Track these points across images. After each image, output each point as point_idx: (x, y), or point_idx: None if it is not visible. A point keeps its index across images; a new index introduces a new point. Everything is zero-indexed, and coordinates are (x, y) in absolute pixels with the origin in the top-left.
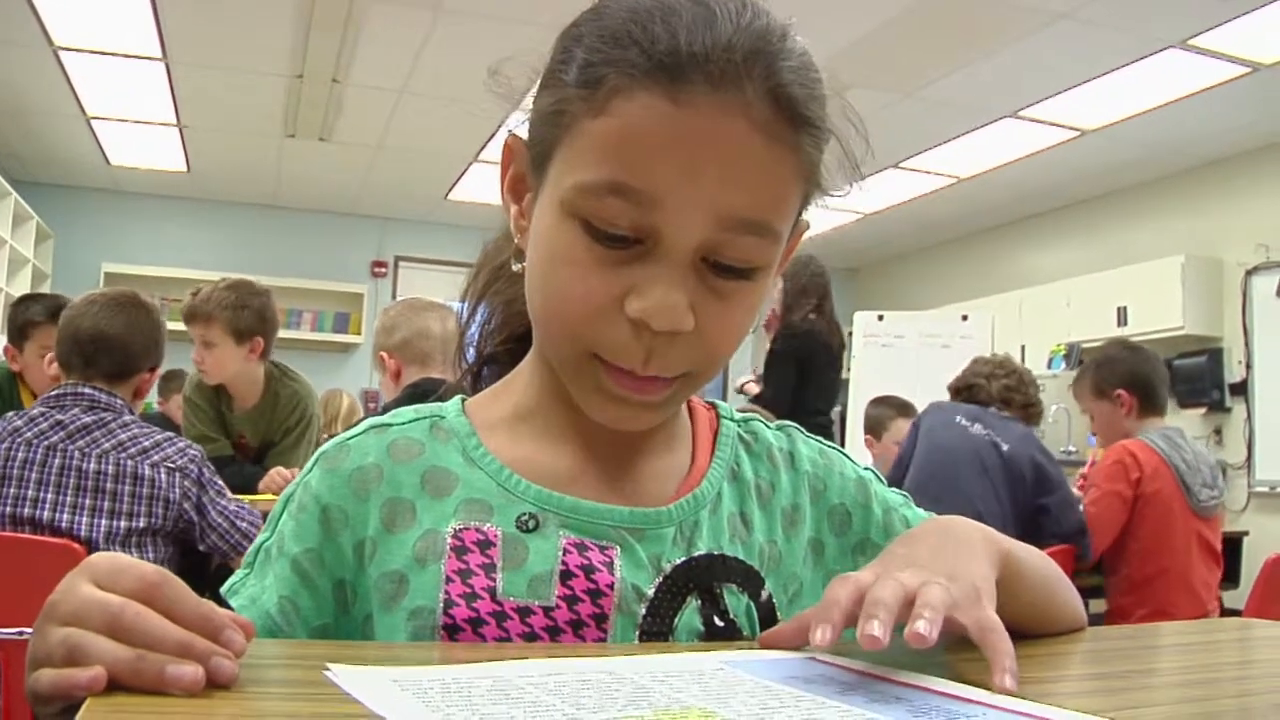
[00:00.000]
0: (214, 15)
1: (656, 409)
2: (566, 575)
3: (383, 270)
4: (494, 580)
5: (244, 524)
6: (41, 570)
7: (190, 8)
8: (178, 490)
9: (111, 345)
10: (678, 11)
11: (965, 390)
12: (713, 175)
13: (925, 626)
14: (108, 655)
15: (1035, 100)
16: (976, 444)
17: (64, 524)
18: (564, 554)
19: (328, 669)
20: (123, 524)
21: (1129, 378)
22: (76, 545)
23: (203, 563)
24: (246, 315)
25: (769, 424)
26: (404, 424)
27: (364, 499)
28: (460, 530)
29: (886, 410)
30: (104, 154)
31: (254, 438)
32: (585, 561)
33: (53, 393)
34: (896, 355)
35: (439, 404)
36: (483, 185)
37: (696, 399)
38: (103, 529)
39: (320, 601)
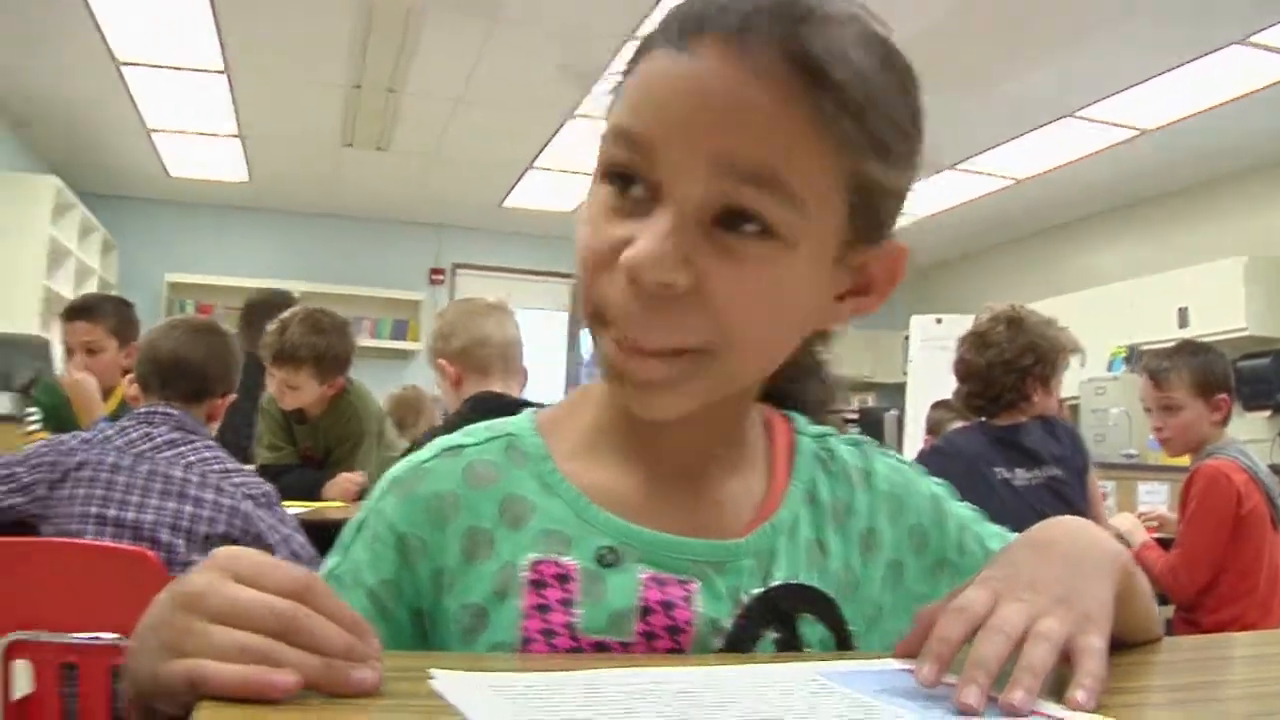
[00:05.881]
0: (275, 28)
1: (664, 391)
2: (646, 611)
3: (440, 277)
4: (573, 616)
5: (312, 555)
6: (113, 577)
7: (252, 21)
8: (254, 517)
9: (188, 369)
10: None
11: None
12: (708, 121)
13: (1021, 698)
14: (293, 659)
15: (1094, 100)
16: (1030, 497)
17: (147, 524)
18: (643, 589)
19: (432, 675)
20: (203, 529)
21: (1227, 382)
22: (150, 554)
23: None
24: (330, 360)
25: (844, 439)
26: (478, 445)
27: (441, 528)
28: (538, 563)
29: (947, 415)
30: (164, 166)
31: (317, 448)
32: (665, 597)
33: (140, 410)
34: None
35: (511, 420)
36: (537, 192)
37: (773, 411)
38: (184, 530)
39: (398, 633)
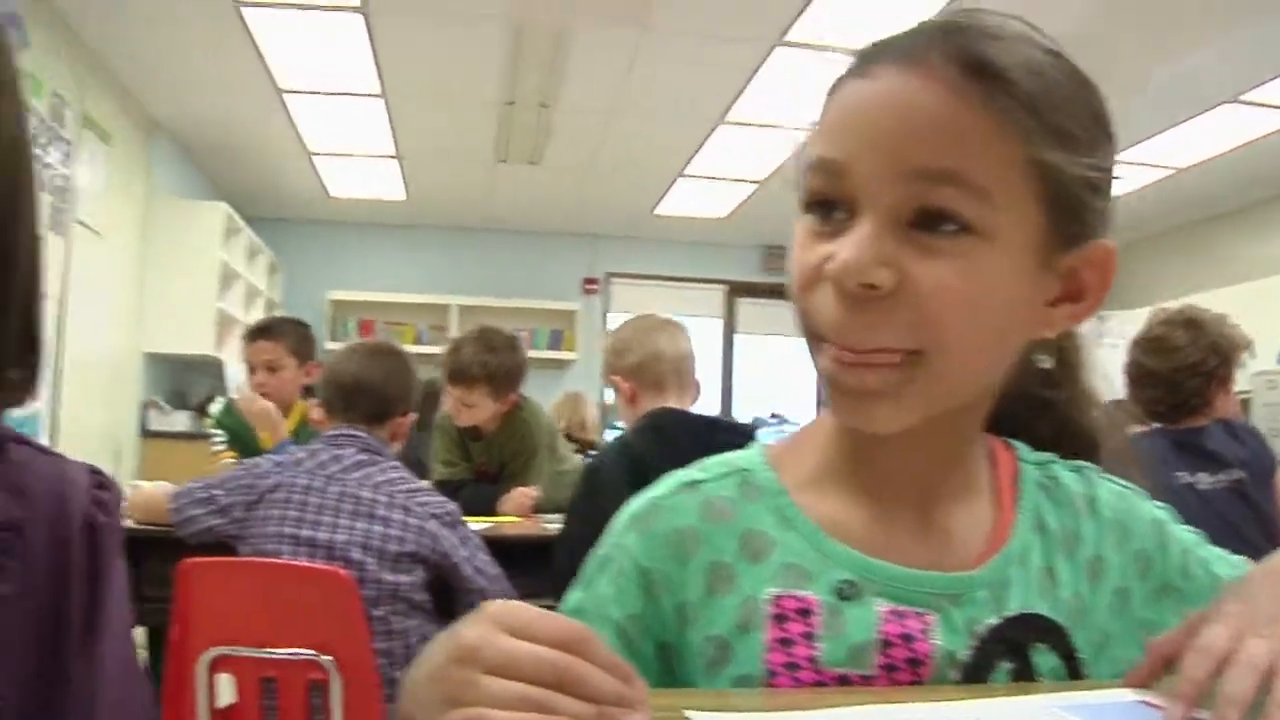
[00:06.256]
0: (429, 51)
1: (882, 400)
2: (886, 645)
3: (594, 287)
4: (815, 650)
5: (496, 573)
6: (309, 595)
7: (407, 46)
8: (440, 536)
9: (369, 391)
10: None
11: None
12: (892, 131)
13: None
14: (569, 708)
15: (1258, 83)
16: (1215, 502)
17: (339, 544)
18: (883, 622)
19: (689, 718)
20: (392, 548)
21: None
22: (343, 572)
23: None
24: (504, 378)
25: (1066, 465)
26: (713, 480)
27: (684, 562)
28: (779, 597)
29: (1121, 416)
30: (324, 188)
31: (491, 463)
32: (904, 630)
33: (328, 433)
34: (1122, 357)
35: (742, 454)
36: (689, 199)
37: (995, 439)
38: (375, 550)
39: (645, 666)
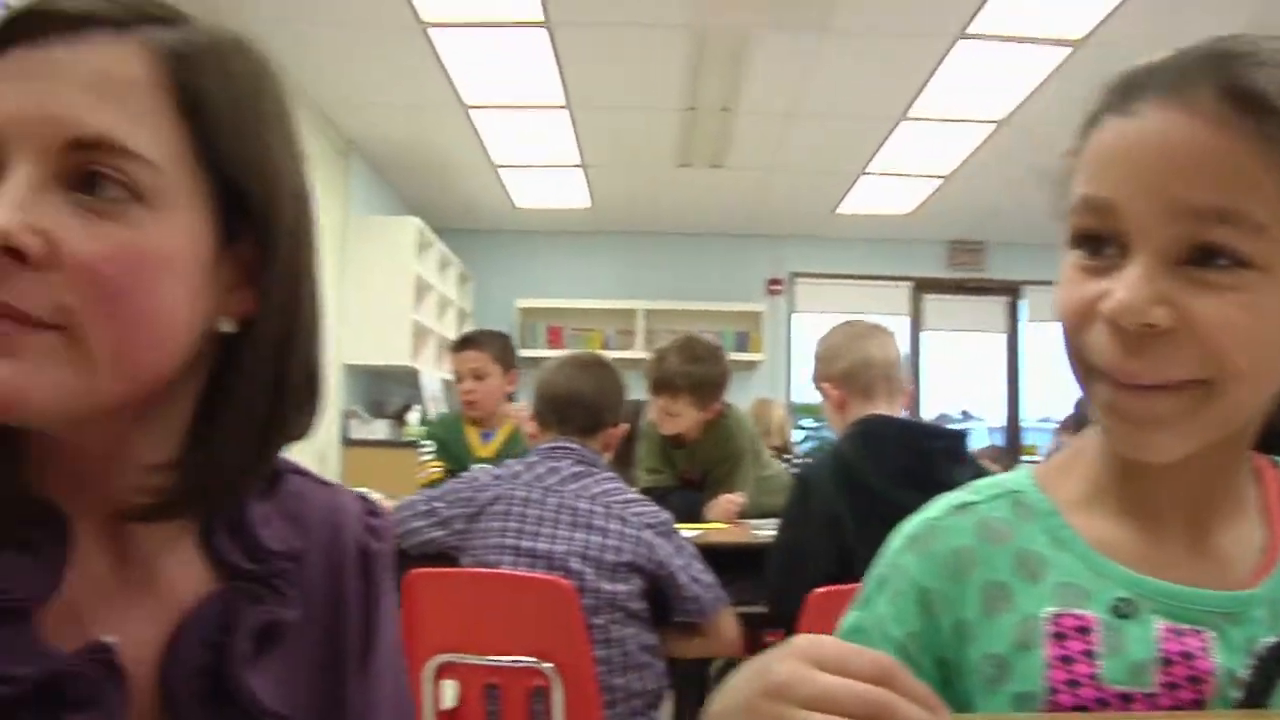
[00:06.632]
0: (612, 62)
1: (1163, 429)
2: (1167, 662)
3: (778, 287)
4: (1095, 667)
5: (711, 581)
6: (531, 605)
7: (590, 57)
8: (656, 545)
9: (582, 403)
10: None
11: None
12: (1161, 170)
13: None
14: None
15: None
16: None
17: (559, 554)
18: (1162, 640)
19: None
20: (610, 558)
21: None
22: (564, 582)
23: None
24: (708, 387)
25: None
26: (986, 501)
27: (960, 581)
28: (1058, 616)
29: None
30: (510, 199)
31: (695, 470)
32: (1183, 648)
33: (545, 445)
34: None
35: (1010, 477)
36: (871, 197)
37: (1259, 456)
38: (593, 560)
39: (926, 682)
